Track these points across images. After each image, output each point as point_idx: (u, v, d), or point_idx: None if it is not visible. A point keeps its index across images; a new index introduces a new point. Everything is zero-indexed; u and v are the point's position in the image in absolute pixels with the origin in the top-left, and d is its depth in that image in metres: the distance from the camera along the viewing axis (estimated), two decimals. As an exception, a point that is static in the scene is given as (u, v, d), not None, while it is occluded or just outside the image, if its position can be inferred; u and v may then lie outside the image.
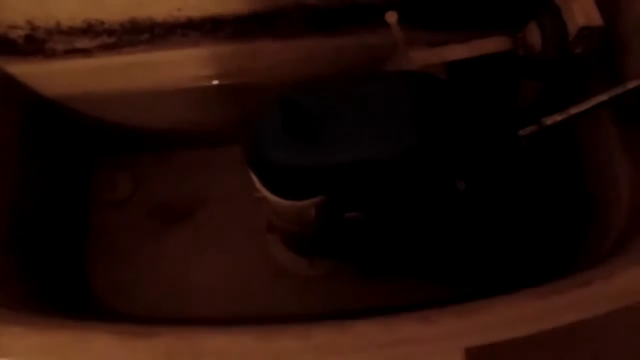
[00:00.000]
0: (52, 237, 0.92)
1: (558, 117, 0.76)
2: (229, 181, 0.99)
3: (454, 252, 0.93)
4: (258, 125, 0.68)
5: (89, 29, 0.78)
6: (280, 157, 0.66)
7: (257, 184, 0.74)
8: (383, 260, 0.95)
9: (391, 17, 0.76)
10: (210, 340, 0.53)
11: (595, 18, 0.74)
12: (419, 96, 0.70)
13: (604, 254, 0.72)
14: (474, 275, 0.93)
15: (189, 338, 0.54)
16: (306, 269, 0.99)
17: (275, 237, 0.98)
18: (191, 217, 1.02)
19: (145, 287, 0.97)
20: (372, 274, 0.97)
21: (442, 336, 0.52)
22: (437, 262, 0.94)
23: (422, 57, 0.79)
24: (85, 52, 0.82)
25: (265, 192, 0.74)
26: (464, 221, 0.90)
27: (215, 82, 0.87)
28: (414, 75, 0.74)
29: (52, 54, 0.81)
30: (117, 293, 0.96)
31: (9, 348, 0.53)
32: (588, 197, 0.84)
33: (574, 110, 0.76)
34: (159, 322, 0.80)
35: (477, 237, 0.93)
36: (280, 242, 0.98)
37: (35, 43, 0.79)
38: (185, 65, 0.85)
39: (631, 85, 0.74)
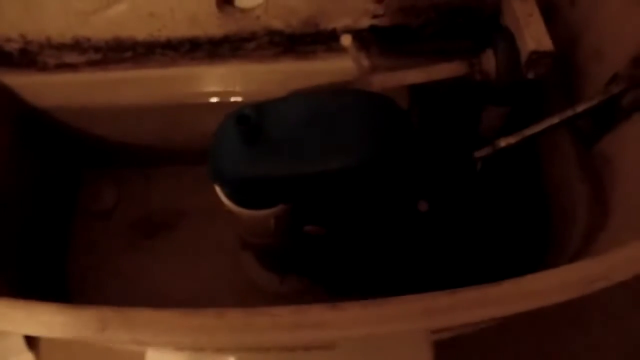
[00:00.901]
0: (34, 247, 0.97)
1: (512, 139, 0.79)
2: (208, 198, 1.02)
3: (418, 271, 0.94)
4: (216, 138, 0.73)
5: (77, 45, 0.86)
6: (235, 167, 0.70)
7: (219, 194, 0.78)
8: (348, 278, 0.97)
9: (346, 40, 0.81)
10: (142, 313, 0.57)
11: (545, 43, 0.77)
12: (371, 113, 0.73)
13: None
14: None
15: (123, 311, 0.58)
16: (277, 286, 1.01)
17: (249, 254, 1.01)
18: (171, 231, 1.06)
19: (122, 296, 1.01)
20: (340, 292, 0.98)
21: (348, 322, 0.54)
22: (402, 281, 0.95)
23: (381, 80, 0.83)
24: (74, 67, 0.89)
25: (226, 202, 0.78)
26: (427, 241, 0.91)
27: (193, 100, 0.93)
28: (368, 95, 0.78)
29: (44, 67, 0.89)
30: (93, 301, 0.99)
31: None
32: (549, 216, 0.85)
33: (527, 132, 0.78)
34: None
35: (440, 257, 0.93)
36: (253, 259, 1.01)
37: (28, 56, 0.87)
38: (165, 83, 0.91)
39: (580, 108, 0.75)
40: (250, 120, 0.70)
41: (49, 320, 0.59)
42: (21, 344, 0.98)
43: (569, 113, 0.77)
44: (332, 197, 0.77)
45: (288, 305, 0.56)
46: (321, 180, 0.71)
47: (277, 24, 0.84)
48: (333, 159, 0.70)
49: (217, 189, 0.78)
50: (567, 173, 0.83)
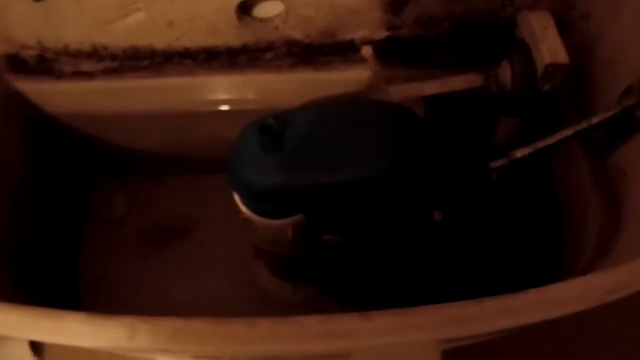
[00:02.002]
0: (47, 252, 0.97)
1: (526, 151, 0.80)
2: (221, 206, 1.02)
3: (432, 281, 0.95)
4: (237, 146, 0.73)
5: (95, 53, 0.86)
6: (255, 176, 0.70)
7: (238, 202, 0.78)
8: (360, 288, 0.97)
9: (367, 51, 0.82)
10: (172, 323, 0.57)
11: (562, 56, 0.78)
12: (392, 124, 0.74)
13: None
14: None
15: (149, 320, 0.58)
16: (290, 295, 1.01)
17: (262, 263, 1.01)
18: (182, 240, 1.06)
19: (133, 304, 1.00)
20: (354, 302, 0.99)
21: (376, 332, 0.54)
22: (415, 291, 0.96)
23: (399, 91, 0.84)
24: (90, 75, 0.89)
25: (244, 211, 0.78)
26: (441, 251, 0.92)
27: (208, 108, 0.93)
28: (389, 105, 0.78)
29: (60, 75, 0.89)
30: (104, 309, 0.98)
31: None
32: (561, 227, 0.86)
33: (542, 144, 0.80)
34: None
35: (453, 267, 0.94)
36: (266, 268, 1.01)
37: (45, 63, 0.87)
38: (182, 92, 0.92)
39: (594, 120, 0.77)
40: (273, 130, 0.71)
41: (76, 329, 0.58)
42: (26, 351, 0.97)
43: (584, 125, 0.78)
44: (350, 207, 0.77)
45: (316, 315, 0.56)
46: (341, 191, 0.72)
47: (295, 35, 0.84)
48: (354, 169, 0.71)
49: (236, 198, 0.78)
50: (580, 184, 0.84)
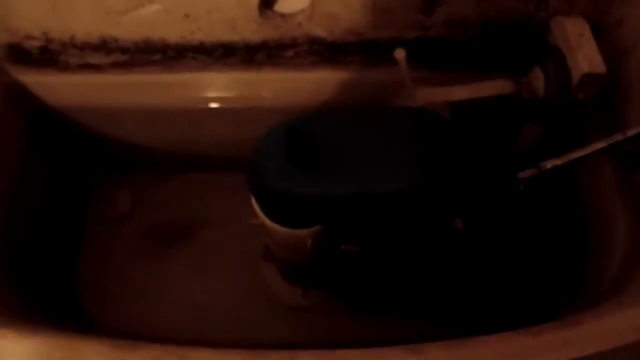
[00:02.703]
0: (47, 247, 0.92)
1: (558, 162, 0.77)
2: (227, 206, 0.99)
3: (450, 291, 0.93)
4: (261, 150, 0.69)
5: (103, 45, 0.80)
6: (281, 184, 0.67)
7: (257, 209, 0.74)
8: (376, 296, 0.95)
9: (400, 53, 0.78)
10: (197, 353, 0.53)
11: (598, 65, 0.76)
12: (421, 133, 0.71)
13: (600, 296, 0.72)
14: (469, 315, 0.92)
15: (175, 351, 0.54)
16: (299, 299, 0.98)
17: (271, 265, 0.98)
18: (187, 239, 1.02)
19: (134, 304, 0.97)
20: (365, 309, 0.97)
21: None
22: (432, 300, 0.94)
23: (426, 95, 0.81)
24: (97, 68, 0.84)
25: (263, 218, 0.74)
26: (461, 260, 0.90)
27: (220, 105, 0.89)
28: (418, 112, 0.75)
29: (65, 67, 0.83)
30: (104, 307, 0.96)
31: (3, 350, 0.54)
32: (586, 239, 0.85)
33: (574, 155, 0.77)
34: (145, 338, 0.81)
35: (473, 277, 0.92)
36: (275, 271, 0.98)
37: (49, 55, 0.81)
38: (194, 88, 0.87)
39: (631, 133, 0.75)
40: (301, 137, 0.67)
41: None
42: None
43: (618, 137, 0.76)
44: (373, 217, 0.74)
45: (364, 349, 0.53)
46: (368, 202, 0.69)
47: (319, 32, 0.80)
48: (383, 181, 0.67)
49: (254, 204, 0.74)
50: (607, 197, 0.82)
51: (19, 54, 0.81)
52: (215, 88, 0.88)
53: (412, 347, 0.52)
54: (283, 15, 0.79)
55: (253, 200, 0.73)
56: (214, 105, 0.89)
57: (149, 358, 0.53)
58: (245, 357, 0.53)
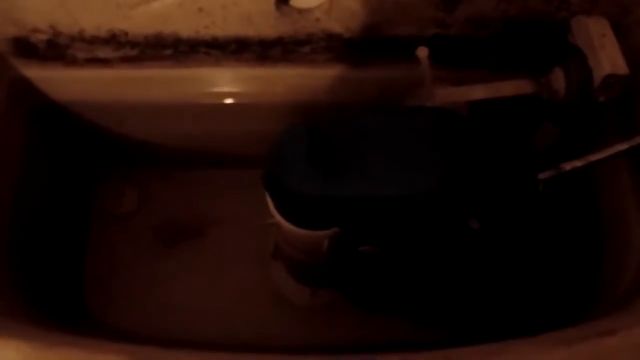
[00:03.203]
0: (51, 245, 0.90)
1: (578, 163, 0.76)
2: (235, 204, 0.98)
3: (465, 293, 0.92)
4: (281, 150, 0.67)
5: (113, 39, 0.78)
6: (301, 185, 0.65)
7: (272, 209, 0.72)
8: (387, 296, 0.94)
9: (422, 52, 0.76)
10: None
11: (621, 66, 0.74)
12: (442, 134, 0.70)
13: (617, 299, 0.71)
14: (482, 317, 0.92)
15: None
16: (307, 299, 0.97)
17: (279, 264, 0.96)
18: (195, 238, 1.00)
19: (141, 304, 0.95)
20: (374, 309, 0.96)
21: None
22: (446, 302, 0.93)
23: (446, 94, 0.79)
24: (106, 62, 0.81)
25: (279, 219, 0.72)
26: (476, 261, 0.89)
27: (231, 101, 0.87)
28: (439, 113, 0.74)
29: (72, 61, 0.81)
30: (110, 306, 0.95)
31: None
32: (602, 242, 0.84)
33: (593, 157, 0.76)
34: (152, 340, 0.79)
35: (488, 278, 0.91)
36: (284, 270, 0.96)
37: (56, 49, 0.78)
38: (205, 84, 0.85)
39: (653, 136, 0.74)
40: (323, 138, 0.65)
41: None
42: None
43: (639, 140, 0.75)
44: (393, 219, 0.73)
45: (396, 353, 0.52)
46: (389, 205, 0.67)
47: (336, 28, 0.78)
48: (405, 184, 0.66)
49: (270, 204, 0.72)
50: (624, 200, 0.81)
51: (25, 47, 0.78)
52: (227, 84, 0.85)
53: (443, 353, 0.51)
54: (300, 11, 0.77)
55: (269, 200, 0.71)
56: (225, 101, 0.87)
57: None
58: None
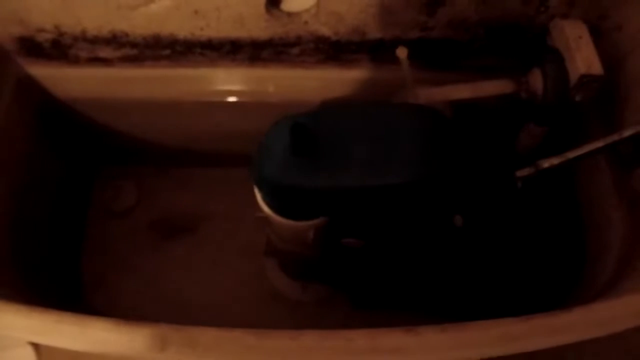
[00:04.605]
0: (50, 239, 0.94)
1: (555, 161, 0.79)
2: (231, 201, 1.01)
3: (450, 287, 0.94)
4: (266, 143, 0.71)
5: (114, 40, 0.82)
6: (284, 176, 0.68)
7: (260, 201, 0.76)
8: (377, 291, 0.96)
9: (402, 52, 0.80)
10: (208, 333, 0.55)
11: (596, 67, 0.77)
12: (424, 129, 0.73)
13: (596, 294, 0.73)
14: (468, 311, 0.94)
15: (186, 330, 0.55)
16: (300, 294, 0.99)
17: (272, 260, 1.00)
18: (191, 233, 1.04)
19: (137, 297, 0.98)
20: (365, 304, 0.98)
21: (425, 348, 0.53)
22: (433, 295, 0.95)
23: (428, 94, 0.82)
24: (107, 62, 0.86)
25: (266, 210, 0.76)
26: (460, 256, 0.91)
27: (226, 100, 0.91)
28: (421, 109, 0.77)
29: (75, 61, 0.85)
30: (106, 300, 0.98)
31: (12, 324, 0.56)
32: (583, 238, 0.86)
33: (570, 155, 0.79)
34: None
35: (472, 273, 0.94)
36: (277, 265, 0.99)
37: (60, 48, 0.83)
38: (201, 83, 0.89)
39: (626, 133, 0.76)
40: (306, 131, 0.68)
41: (103, 337, 0.56)
42: (31, 355, 0.94)
43: (615, 138, 0.77)
44: (376, 211, 0.75)
45: (362, 329, 0.55)
46: (370, 196, 0.70)
47: (324, 30, 0.82)
48: (387, 175, 0.69)
49: (258, 196, 0.75)
50: (603, 197, 0.83)
51: (31, 47, 0.83)
52: (222, 83, 0.90)
53: (410, 328, 0.54)
54: (289, 14, 0.81)
55: (257, 193, 0.75)
56: (220, 100, 0.91)
57: (158, 334, 0.54)
58: (250, 335, 0.54)
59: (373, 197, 0.71)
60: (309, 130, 0.68)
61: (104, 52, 0.84)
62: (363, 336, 0.53)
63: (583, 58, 0.78)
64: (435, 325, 0.54)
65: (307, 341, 0.53)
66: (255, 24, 0.81)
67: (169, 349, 0.55)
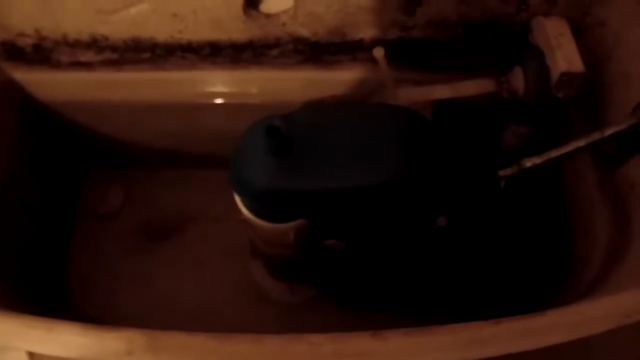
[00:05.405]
0: (36, 243, 0.94)
1: (537, 160, 0.78)
2: (217, 203, 1.01)
3: (434, 287, 0.93)
4: (241, 146, 0.71)
5: (94, 44, 0.83)
6: (260, 178, 0.68)
7: (239, 204, 0.76)
8: (362, 292, 0.96)
9: (378, 52, 0.79)
10: (173, 337, 0.55)
11: (576, 65, 0.76)
12: (402, 129, 0.72)
13: (582, 293, 0.73)
14: (453, 311, 0.93)
15: (152, 334, 0.55)
16: (287, 296, 0.99)
17: (258, 262, 0.99)
18: (177, 235, 1.04)
19: (125, 299, 0.98)
20: (352, 305, 0.97)
21: (391, 353, 0.53)
22: (417, 296, 0.94)
23: (408, 94, 0.82)
24: (88, 66, 0.86)
25: (245, 213, 0.75)
26: (444, 257, 0.91)
27: (209, 102, 0.91)
28: (399, 110, 0.76)
29: (57, 65, 0.86)
30: (93, 302, 0.98)
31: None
32: (568, 238, 0.85)
33: (553, 154, 0.78)
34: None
35: (456, 273, 0.93)
36: (263, 268, 0.99)
37: (42, 52, 0.84)
38: (182, 86, 0.89)
39: (608, 132, 0.75)
40: (280, 132, 0.68)
41: (69, 341, 0.56)
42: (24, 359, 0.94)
43: (597, 136, 0.76)
44: (355, 212, 0.75)
45: (327, 333, 0.54)
46: (348, 196, 0.70)
47: (303, 32, 0.82)
48: (363, 175, 0.68)
49: (237, 199, 0.75)
50: (588, 196, 0.82)
51: (13, 51, 0.83)
52: (204, 86, 0.90)
53: (375, 332, 0.53)
54: (267, 15, 0.81)
55: (235, 196, 0.75)
56: (202, 102, 0.91)
57: (120, 338, 0.54)
58: (213, 339, 0.53)
59: (352, 199, 0.70)
60: (284, 131, 0.68)
61: (85, 56, 0.85)
62: (328, 340, 0.53)
63: (564, 56, 0.77)
64: (402, 329, 0.54)
65: (269, 346, 0.53)
66: (233, 26, 0.81)
67: (135, 354, 0.55)
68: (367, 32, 0.82)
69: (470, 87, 0.82)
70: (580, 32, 0.80)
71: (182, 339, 0.55)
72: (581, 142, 0.77)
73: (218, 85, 0.90)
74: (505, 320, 0.54)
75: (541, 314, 0.55)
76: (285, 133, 0.68)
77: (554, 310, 0.55)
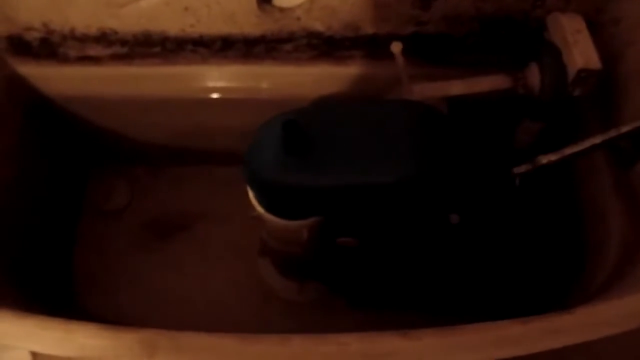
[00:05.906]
0: (42, 239, 0.93)
1: (553, 157, 0.78)
2: (225, 201, 1.00)
3: (446, 285, 0.93)
4: (257, 142, 0.70)
5: (103, 38, 0.81)
6: (276, 175, 0.67)
7: (253, 201, 0.74)
8: (373, 290, 0.95)
9: (396, 47, 0.78)
10: (197, 339, 0.54)
11: (594, 61, 0.76)
12: (418, 126, 0.71)
13: (596, 290, 0.72)
14: (465, 309, 0.93)
15: (175, 336, 0.54)
16: (295, 294, 0.98)
17: (267, 260, 0.98)
18: (184, 233, 1.03)
19: (130, 297, 0.97)
20: (361, 303, 0.97)
21: (421, 352, 0.52)
22: (429, 294, 0.94)
23: (423, 90, 0.81)
24: (96, 60, 0.84)
25: (260, 210, 0.74)
26: (457, 254, 0.90)
27: (219, 97, 0.90)
28: (415, 105, 0.75)
29: (64, 59, 0.84)
30: (98, 301, 0.97)
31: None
32: (582, 235, 0.85)
33: (568, 151, 0.77)
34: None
35: (469, 271, 0.92)
36: (271, 266, 0.98)
37: (49, 47, 0.82)
38: (193, 80, 0.88)
39: (624, 129, 0.75)
40: (297, 129, 0.67)
41: (88, 344, 0.55)
42: (27, 358, 0.92)
43: (613, 133, 0.76)
44: (370, 209, 0.74)
45: (355, 333, 0.53)
46: (364, 193, 0.69)
47: (317, 26, 0.81)
48: (381, 172, 0.68)
49: (250, 195, 0.74)
50: (602, 194, 0.82)
51: (20, 45, 0.81)
52: (214, 80, 0.88)
53: (406, 332, 0.52)
54: (282, 9, 0.79)
55: (250, 192, 0.74)
56: (212, 97, 0.90)
57: (140, 339, 0.53)
58: (238, 340, 0.52)
59: (367, 196, 0.70)
60: (301, 128, 0.67)
61: (94, 51, 0.83)
62: (356, 340, 0.52)
63: (581, 52, 0.76)
64: (431, 329, 0.53)
65: (297, 346, 0.52)
66: (246, 20, 0.80)
67: (157, 356, 0.53)
68: (381, 27, 0.81)
69: (486, 83, 0.81)
70: (595, 29, 0.80)
71: (206, 341, 0.53)
72: (597, 140, 0.77)
73: (229, 80, 0.88)
74: (534, 319, 0.54)
75: (570, 312, 0.55)
76: (301, 129, 0.67)
77: (582, 309, 0.55)
